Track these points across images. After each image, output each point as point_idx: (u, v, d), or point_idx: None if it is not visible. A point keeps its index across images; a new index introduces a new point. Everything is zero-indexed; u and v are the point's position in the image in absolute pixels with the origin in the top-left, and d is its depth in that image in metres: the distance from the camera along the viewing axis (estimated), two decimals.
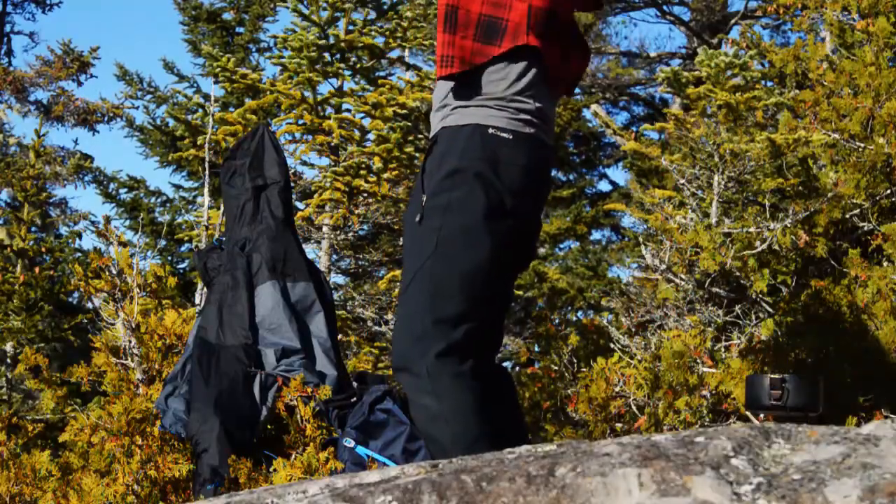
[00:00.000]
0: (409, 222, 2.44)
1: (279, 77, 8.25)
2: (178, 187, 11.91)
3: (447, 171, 2.37)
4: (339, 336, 5.88)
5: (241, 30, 12.26)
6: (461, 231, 2.33)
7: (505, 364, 9.78)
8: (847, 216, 5.43)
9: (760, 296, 5.24)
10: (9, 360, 9.66)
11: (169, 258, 11.26)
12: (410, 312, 2.36)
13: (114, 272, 4.34)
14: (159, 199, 11.80)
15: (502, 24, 2.39)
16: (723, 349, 5.11)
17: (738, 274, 5.28)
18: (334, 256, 8.47)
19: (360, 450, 3.69)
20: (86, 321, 9.01)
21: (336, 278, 9.09)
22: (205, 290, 4.56)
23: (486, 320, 2.38)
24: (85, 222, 12.91)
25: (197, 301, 7.07)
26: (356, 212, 7.88)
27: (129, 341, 4.20)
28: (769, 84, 7.34)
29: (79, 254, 11.26)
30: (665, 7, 14.30)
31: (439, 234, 2.34)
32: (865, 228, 5.42)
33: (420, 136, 8.77)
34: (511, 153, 2.38)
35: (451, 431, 2.28)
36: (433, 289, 2.33)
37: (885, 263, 5.01)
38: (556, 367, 5.39)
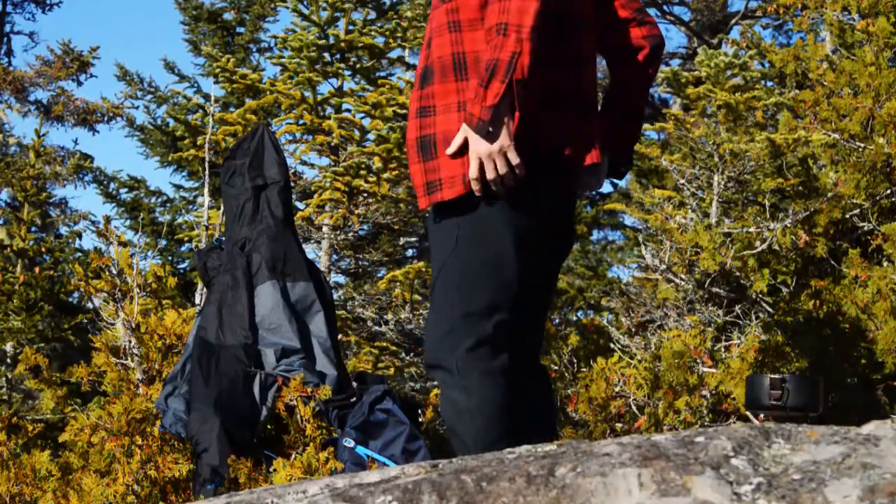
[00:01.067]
0: (432, 221, 2.41)
1: (279, 77, 8.24)
2: (178, 187, 11.92)
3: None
4: (339, 336, 5.87)
5: (242, 30, 12.27)
6: (482, 224, 2.30)
7: None
8: (847, 216, 5.42)
9: (760, 296, 5.24)
10: (9, 360, 9.65)
11: (169, 258, 11.25)
12: (438, 309, 2.34)
13: (114, 272, 4.34)
14: (160, 199, 11.81)
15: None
16: (723, 349, 5.11)
17: (738, 274, 5.28)
18: (334, 256, 8.46)
19: (360, 450, 3.69)
20: (86, 321, 8.99)
21: (336, 278, 9.09)
22: (205, 290, 4.56)
23: (520, 313, 2.34)
24: (85, 222, 12.89)
25: (197, 301, 7.06)
26: (356, 212, 7.87)
27: (129, 341, 4.20)
28: (769, 84, 7.35)
29: (79, 254, 11.26)
30: (665, 7, 14.27)
31: (459, 229, 2.32)
32: (865, 228, 5.42)
33: None
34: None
35: (475, 428, 2.24)
36: (459, 283, 2.30)
37: (885, 263, 5.01)
38: (556, 367, 5.39)
